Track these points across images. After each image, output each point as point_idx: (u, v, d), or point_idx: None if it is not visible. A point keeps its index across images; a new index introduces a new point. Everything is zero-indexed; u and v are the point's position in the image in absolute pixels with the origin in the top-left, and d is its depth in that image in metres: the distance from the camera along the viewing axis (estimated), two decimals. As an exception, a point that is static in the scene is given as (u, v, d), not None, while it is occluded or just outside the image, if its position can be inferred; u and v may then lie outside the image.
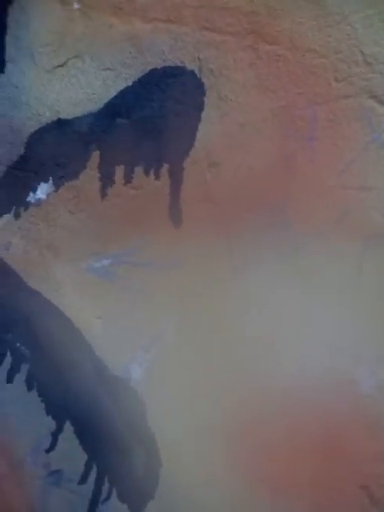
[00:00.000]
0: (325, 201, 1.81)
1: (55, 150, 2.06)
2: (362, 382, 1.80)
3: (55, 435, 2.15)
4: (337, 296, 1.82)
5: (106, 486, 2.09)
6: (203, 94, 1.88)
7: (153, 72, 1.92)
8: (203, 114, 1.89)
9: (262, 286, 1.88)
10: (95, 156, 2.01)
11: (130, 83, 1.94)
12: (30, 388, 2.20)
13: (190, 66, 1.90)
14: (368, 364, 1.80)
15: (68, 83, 2.00)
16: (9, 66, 2.10)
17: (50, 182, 2.06)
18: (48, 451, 2.17)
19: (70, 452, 2.18)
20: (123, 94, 1.94)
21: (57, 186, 2.05)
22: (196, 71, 1.88)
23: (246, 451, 1.91)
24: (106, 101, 1.96)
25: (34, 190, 2.09)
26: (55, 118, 2.04)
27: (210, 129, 1.89)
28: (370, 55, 1.72)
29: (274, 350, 1.88)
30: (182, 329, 1.97)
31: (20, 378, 2.27)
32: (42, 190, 2.08)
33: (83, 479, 2.11)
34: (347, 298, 1.81)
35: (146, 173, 1.93)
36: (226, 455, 1.93)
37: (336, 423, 1.82)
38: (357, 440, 1.81)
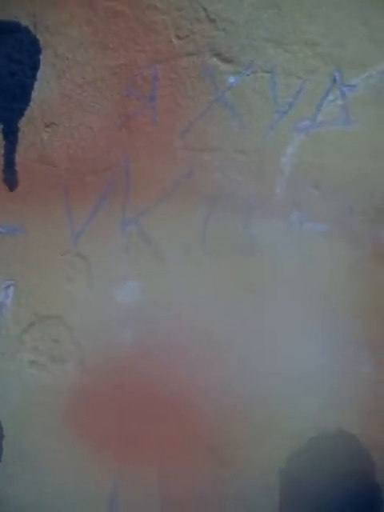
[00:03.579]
0: (168, 162, 1.62)
1: None
2: (210, 342, 1.65)
3: None
4: (181, 259, 1.64)
5: None
6: (39, 51, 1.66)
7: (-17, 28, 1.67)
8: (39, 73, 1.66)
9: (103, 254, 1.66)
10: None
11: None
12: None
13: (24, 21, 1.67)
14: (218, 325, 1.66)
15: None
16: None
17: None
18: None
19: None
20: None
21: None
22: (31, 28, 1.66)
23: (89, 419, 1.72)
24: None
25: None
26: None
27: (46, 88, 1.66)
28: (213, 12, 1.57)
29: (114, 317, 1.70)
30: (20, 297, 1.74)
31: None
32: None
33: None
34: (192, 261, 1.64)
35: (-22, 133, 1.69)
36: (69, 424, 1.73)
37: (182, 383, 1.66)
38: (204, 402, 1.65)
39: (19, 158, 1.66)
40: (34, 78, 1.61)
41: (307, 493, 1.56)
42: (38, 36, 1.63)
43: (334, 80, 1.49)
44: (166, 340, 1.64)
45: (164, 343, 1.64)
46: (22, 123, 1.63)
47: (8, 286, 1.66)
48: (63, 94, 1.61)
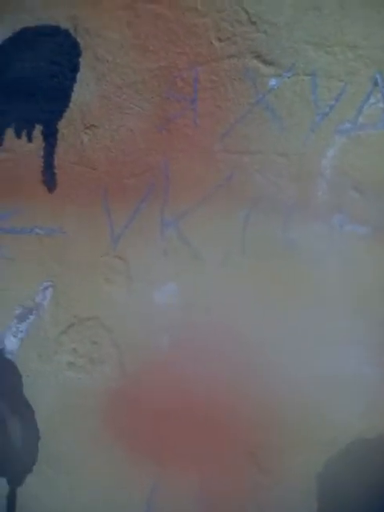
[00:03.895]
0: (208, 165, 1.60)
1: None
2: (249, 348, 1.64)
3: None
4: (221, 262, 1.63)
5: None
6: (79, 54, 1.64)
7: (25, 31, 1.68)
8: (79, 75, 1.66)
9: (143, 256, 1.64)
10: (-36, 119, 1.74)
11: (0, 43, 1.70)
12: None
13: (64, 25, 1.65)
14: (257, 330, 1.63)
15: None
16: None
17: None
18: None
19: None
20: (-7, 55, 1.70)
21: None
22: (71, 31, 1.64)
23: (128, 423, 1.71)
24: (-25, 62, 1.71)
25: None
26: None
27: (86, 90, 1.65)
28: (254, 14, 1.54)
29: (153, 319, 1.68)
30: (58, 299, 1.73)
31: None
32: None
33: None
34: (231, 265, 1.63)
35: (18, 135, 1.70)
36: (107, 427, 1.72)
37: (222, 391, 1.63)
38: (243, 408, 1.62)
39: (58, 160, 1.66)
40: (73, 80, 1.60)
41: (346, 499, 1.53)
42: (78, 39, 1.61)
43: (376, 83, 1.46)
44: (205, 344, 1.63)
45: (203, 347, 1.63)
46: (62, 125, 1.63)
47: (46, 288, 1.66)
48: (103, 96, 1.60)
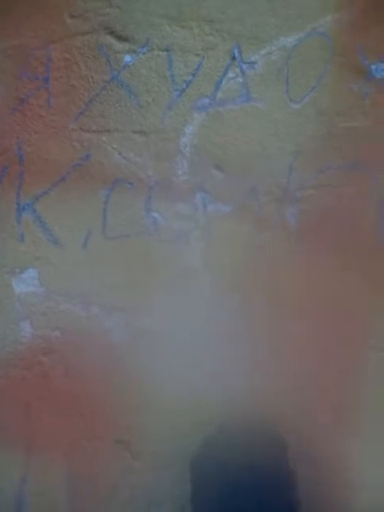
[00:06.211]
0: (63, 145, 1.52)
1: None
2: (113, 333, 1.57)
3: None
4: (81, 245, 1.56)
5: None
6: None
7: None
8: None
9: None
10: None
11: None
12: None
13: None
14: (121, 313, 1.57)
15: None
16: None
17: None
18: None
19: None
20: None
21: None
22: None
23: None
24: None
25: None
26: None
27: None
28: None
29: (14, 308, 1.61)
30: None
31: None
32: None
33: None
34: (92, 247, 1.56)
35: None
36: None
37: (89, 377, 1.59)
38: (113, 393, 1.59)
39: None
40: None
41: (220, 481, 1.51)
42: None
43: (234, 57, 1.41)
44: (68, 330, 1.56)
45: (66, 334, 1.56)
46: None
47: None
48: None
